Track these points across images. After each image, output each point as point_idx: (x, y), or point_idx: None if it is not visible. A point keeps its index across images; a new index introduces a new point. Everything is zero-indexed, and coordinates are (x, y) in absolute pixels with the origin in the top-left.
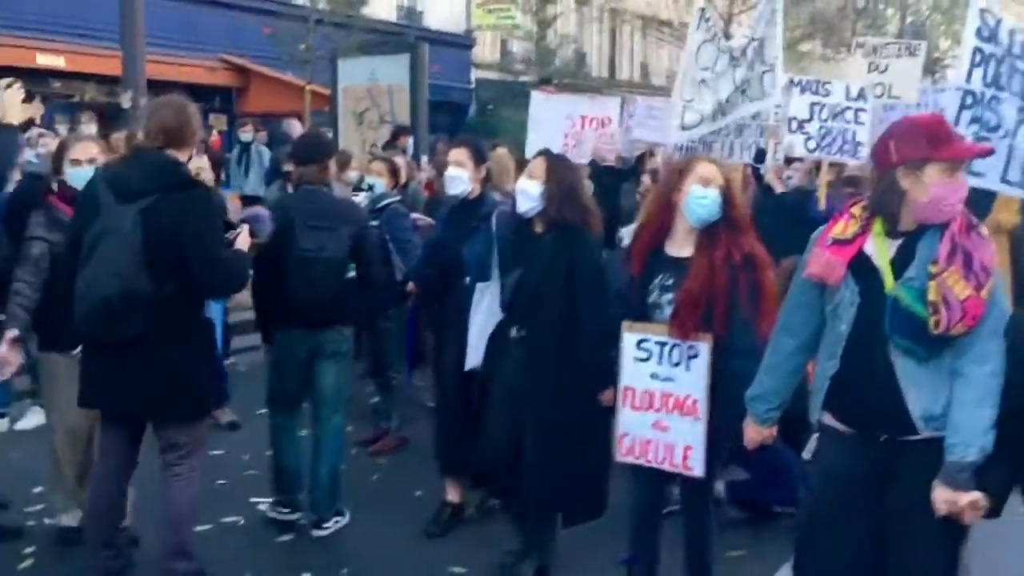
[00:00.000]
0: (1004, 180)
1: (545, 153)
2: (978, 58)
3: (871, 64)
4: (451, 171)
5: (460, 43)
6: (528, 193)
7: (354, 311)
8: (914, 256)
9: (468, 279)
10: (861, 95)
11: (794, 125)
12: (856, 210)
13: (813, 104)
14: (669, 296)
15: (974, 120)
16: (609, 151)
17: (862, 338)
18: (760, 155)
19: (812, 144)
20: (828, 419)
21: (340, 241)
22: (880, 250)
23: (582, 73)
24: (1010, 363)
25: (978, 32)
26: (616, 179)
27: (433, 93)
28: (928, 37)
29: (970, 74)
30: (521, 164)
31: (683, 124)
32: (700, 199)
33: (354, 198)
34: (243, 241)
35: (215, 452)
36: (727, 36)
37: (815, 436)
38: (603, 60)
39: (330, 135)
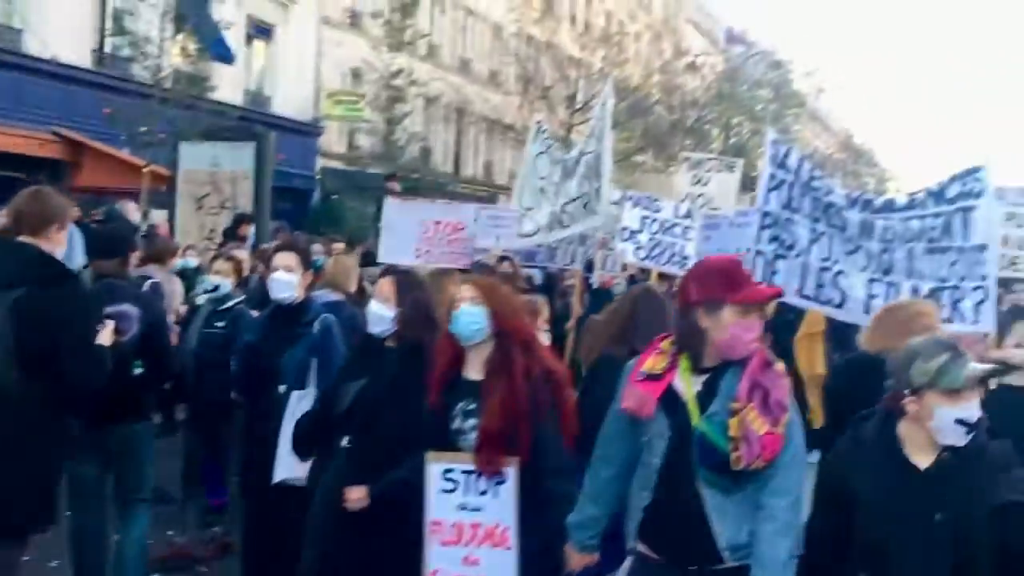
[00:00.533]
0: (801, 295)
1: (392, 273)
2: (773, 182)
3: (694, 176)
4: (279, 276)
5: (307, 131)
6: (380, 316)
7: (146, 405)
8: (718, 392)
9: (283, 387)
10: (689, 214)
11: (626, 234)
12: (664, 345)
13: (644, 217)
14: (472, 421)
15: (772, 239)
16: (461, 257)
17: (673, 471)
18: (590, 265)
19: (642, 253)
20: (642, 547)
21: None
22: (687, 385)
23: (427, 168)
24: (827, 410)
25: (772, 159)
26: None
27: (277, 179)
28: (748, 156)
29: (767, 197)
30: (366, 260)
31: (522, 231)
32: (461, 315)
33: (197, 299)
34: (106, 337)
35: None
36: (567, 145)
37: (629, 560)
38: (448, 157)
39: (165, 217)
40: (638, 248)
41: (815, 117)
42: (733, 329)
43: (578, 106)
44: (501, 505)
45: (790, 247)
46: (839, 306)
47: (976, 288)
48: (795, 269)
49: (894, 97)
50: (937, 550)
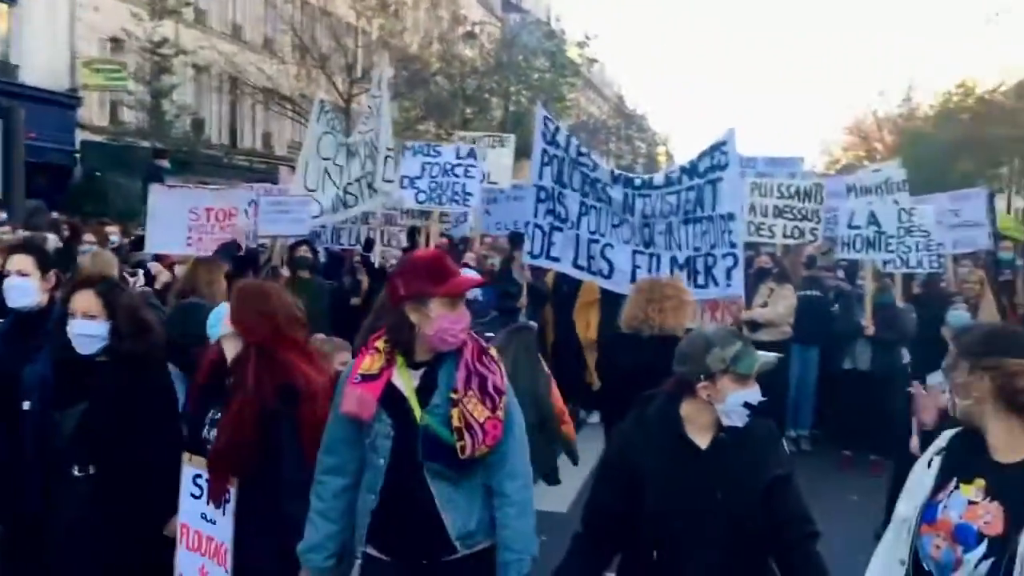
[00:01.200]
0: (575, 265)
1: (94, 288)
2: (545, 158)
3: (470, 150)
4: (13, 281)
5: (63, 102)
6: (90, 335)
7: None
8: (437, 385)
9: (27, 404)
10: (471, 154)
11: (405, 182)
12: (380, 344)
13: (425, 163)
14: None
15: (548, 212)
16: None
17: (400, 469)
18: (368, 244)
19: (423, 196)
20: (371, 550)
21: None
22: (406, 381)
23: (200, 142)
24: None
25: (543, 135)
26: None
27: (30, 154)
28: (527, 124)
29: (541, 173)
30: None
31: (303, 217)
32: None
33: None
34: None
35: None
36: (347, 114)
37: (358, 564)
38: (223, 129)
39: None
40: (418, 193)
41: (590, 84)
42: (441, 322)
43: (357, 76)
44: (225, 523)
45: (564, 220)
46: (608, 276)
47: (726, 255)
48: (569, 241)
49: (663, 63)
50: (718, 525)
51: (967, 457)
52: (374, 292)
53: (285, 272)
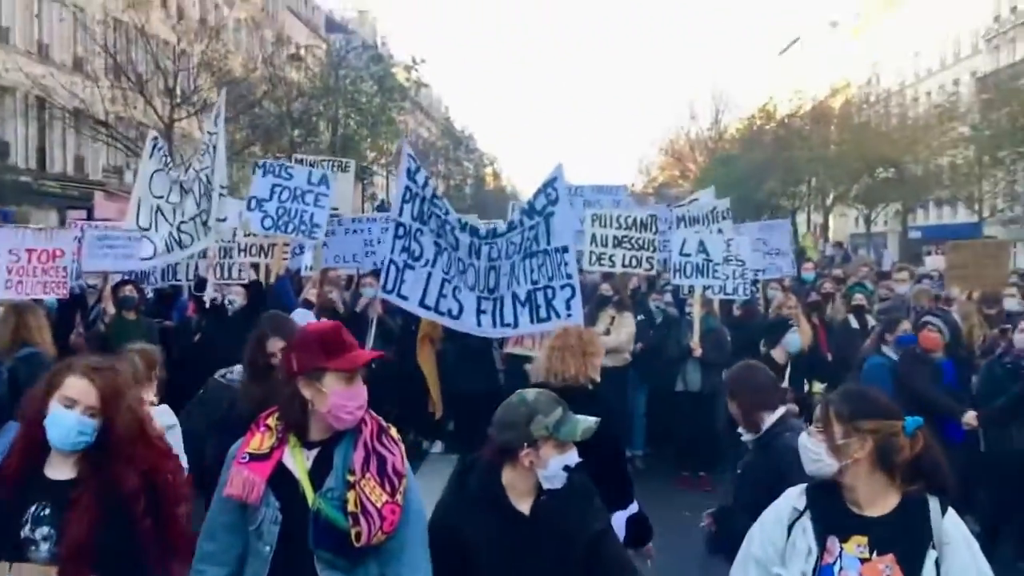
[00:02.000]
0: (422, 304)
1: None
2: (407, 195)
3: (323, 176)
4: None
5: None
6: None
7: None
8: (332, 466)
9: None
10: (323, 181)
11: (253, 203)
12: (271, 421)
13: (275, 186)
14: (45, 530)
15: (403, 249)
16: (59, 286)
17: (287, 557)
18: (200, 283)
19: (268, 222)
20: None
21: None
22: (298, 462)
23: (5, 167)
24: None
25: (407, 172)
26: None
27: None
28: (356, 148)
29: (402, 209)
30: None
31: (142, 255)
32: (59, 422)
33: None
34: None
35: None
36: (169, 139)
37: None
38: (31, 154)
39: None
40: (265, 217)
41: (418, 107)
42: (335, 398)
43: (178, 100)
44: None
45: (418, 258)
46: (456, 317)
47: (564, 286)
48: (421, 279)
49: (490, 83)
50: None
51: (835, 516)
52: (207, 331)
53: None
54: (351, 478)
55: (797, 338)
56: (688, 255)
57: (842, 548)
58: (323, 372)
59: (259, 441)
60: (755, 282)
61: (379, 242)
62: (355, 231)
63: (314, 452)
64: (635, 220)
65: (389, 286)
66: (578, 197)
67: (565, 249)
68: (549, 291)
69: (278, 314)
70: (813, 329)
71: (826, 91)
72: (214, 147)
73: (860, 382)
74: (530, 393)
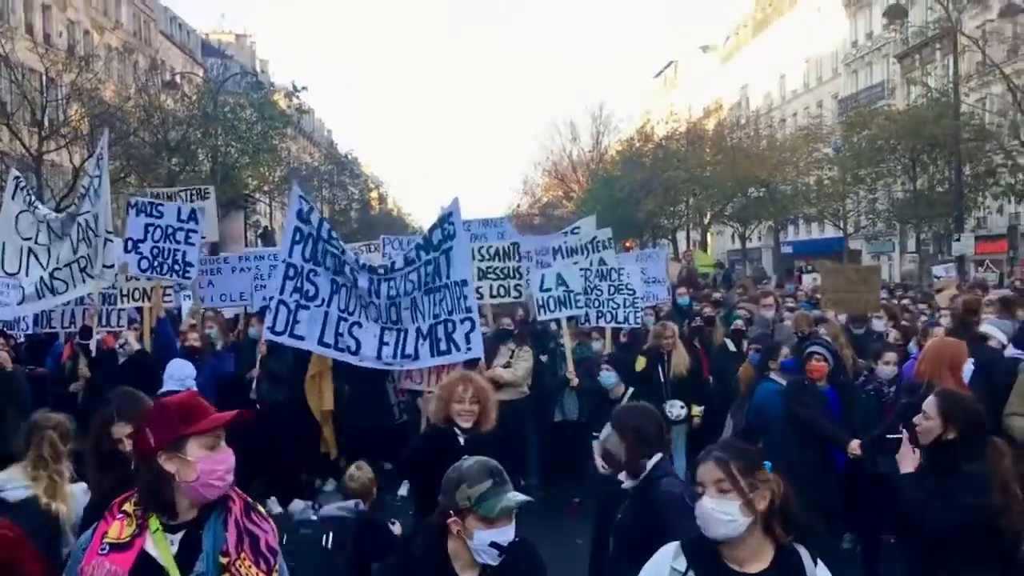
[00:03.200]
0: (321, 343)
1: None
2: (298, 236)
3: (192, 211)
4: None
5: None
6: None
7: None
8: (201, 548)
9: None
10: (192, 217)
11: (129, 245)
12: (128, 507)
13: (148, 225)
14: None
15: (295, 290)
16: None
17: None
18: (85, 331)
19: (145, 264)
20: None
21: None
22: (162, 548)
23: None
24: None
25: (297, 213)
26: None
27: None
28: (238, 177)
29: (291, 250)
30: None
31: (6, 301)
32: None
33: None
34: None
35: None
36: (39, 173)
37: None
38: None
39: None
40: (141, 259)
41: (301, 132)
42: (202, 465)
43: (47, 131)
44: None
45: (312, 297)
46: (355, 353)
47: (464, 319)
48: (317, 318)
49: (375, 107)
50: None
51: (713, 572)
52: (95, 380)
53: None
54: (224, 560)
55: (609, 376)
56: (548, 290)
57: None
58: (185, 440)
59: (117, 529)
60: (642, 310)
61: (269, 277)
62: (243, 269)
63: (179, 536)
64: (496, 250)
65: (279, 327)
66: (465, 231)
67: (464, 283)
68: (449, 324)
69: (126, 393)
70: (694, 353)
71: (700, 113)
72: (95, 191)
73: (753, 408)
74: (470, 460)
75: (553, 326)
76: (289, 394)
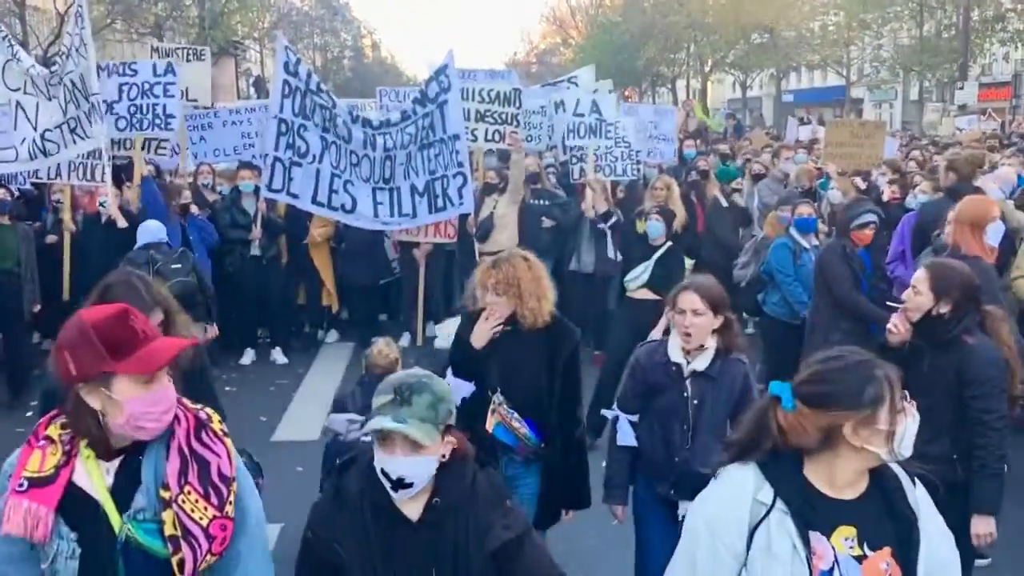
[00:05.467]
0: (315, 202)
1: None
2: (286, 90)
3: (168, 65)
4: None
5: None
6: None
7: None
8: (140, 480)
9: None
10: (169, 70)
11: (104, 108)
12: (53, 431)
13: (122, 85)
14: None
15: (288, 146)
16: None
17: None
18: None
19: (123, 123)
20: None
21: None
22: (95, 479)
23: None
24: None
25: (284, 66)
26: None
27: None
28: (227, 23)
29: (281, 105)
30: None
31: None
32: None
33: None
34: None
35: None
36: (23, 19)
37: None
38: None
39: None
40: (118, 119)
41: None
42: (133, 406)
43: None
44: None
45: (304, 154)
46: (350, 211)
47: (456, 174)
48: (310, 177)
49: None
50: None
51: (809, 503)
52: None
53: None
54: (166, 494)
55: (657, 225)
56: (582, 115)
57: (833, 548)
58: (111, 376)
59: (38, 461)
60: (639, 163)
61: (258, 135)
62: (234, 122)
63: (115, 464)
64: (498, 94)
65: (277, 184)
66: (471, 81)
67: (457, 137)
68: (444, 180)
69: (127, 284)
70: (691, 207)
71: None
72: (77, 49)
73: (767, 263)
74: (399, 374)
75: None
76: (291, 243)
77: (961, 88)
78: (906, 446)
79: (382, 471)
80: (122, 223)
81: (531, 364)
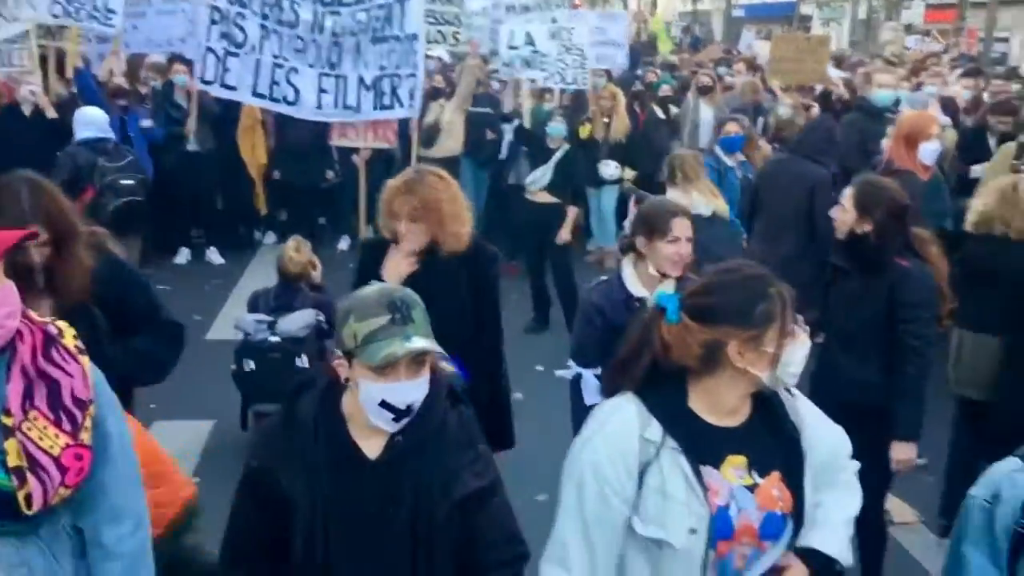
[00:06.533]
0: (255, 94)
1: None
2: None
3: None
4: None
5: None
6: None
7: None
8: None
9: None
10: None
11: None
12: None
13: None
14: None
15: (222, 36)
16: None
17: None
18: None
19: (58, 9)
20: None
21: None
22: None
23: None
24: None
25: None
26: None
27: None
28: None
29: None
30: None
31: None
32: None
33: None
34: None
35: None
36: None
37: None
38: None
39: None
40: (53, 4)
41: None
42: None
43: None
44: None
45: (241, 44)
46: (293, 103)
47: (410, 75)
48: (248, 67)
49: None
50: (397, 556)
51: (697, 435)
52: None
53: None
54: (8, 421)
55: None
56: (516, 48)
57: (725, 479)
58: None
59: None
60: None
61: (192, 23)
62: (169, 12)
63: None
64: None
65: (209, 76)
66: None
67: (415, 37)
68: (396, 79)
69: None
70: (634, 118)
71: None
72: None
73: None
74: (373, 287)
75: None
76: (223, 144)
77: (908, 8)
78: (792, 373)
79: (383, 403)
80: (51, 113)
81: (453, 295)
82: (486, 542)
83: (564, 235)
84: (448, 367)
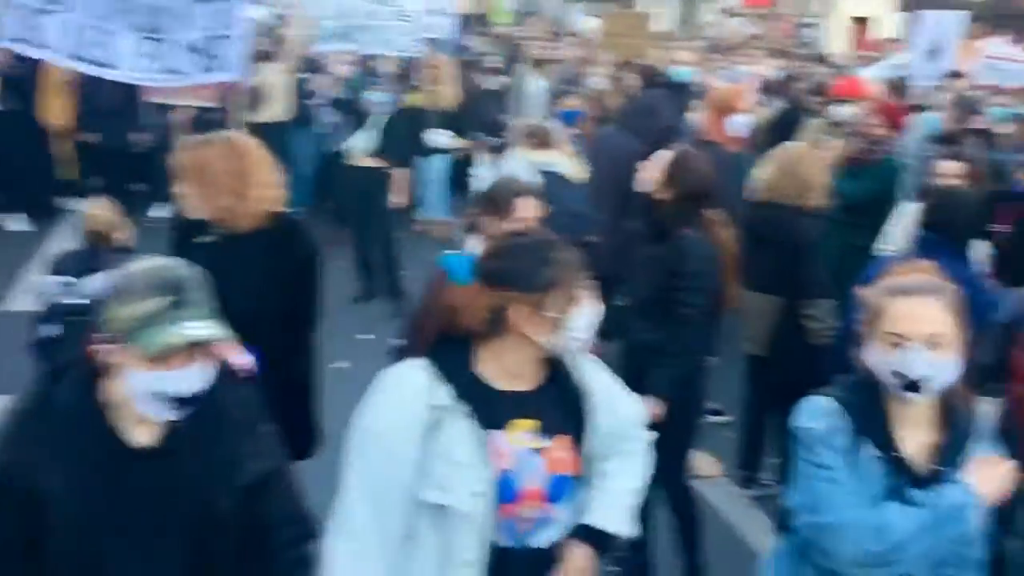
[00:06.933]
0: (69, 55)
1: None
2: None
3: None
4: None
5: None
6: None
7: None
8: None
9: None
10: None
11: None
12: None
13: None
14: None
15: None
16: None
17: None
18: None
19: None
20: None
21: None
22: None
23: None
24: None
25: None
26: None
27: None
28: None
29: None
30: None
31: None
32: None
33: None
34: None
35: None
36: None
37: None
38: None
39: None
40: None
41: None
42: None
43: None
44: None
45: (57, 1)
46: (114, 67)
47: (238, 37)
48: (59, 27)
49: None
50: (170, 553)
51: (482, 399)
52: None
53: None
54: None
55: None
56: (327, 18)
57: (512, 445)
58: None
59: None
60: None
61: None
62: None
63: None
64: None
65: (16, 33)
66: None
67: None
68: (225, 41)
69: None
70: (468, 88)
71: None
72: None
73: None
74: (144, 265)
75: None
76: (28, 104)
77: None
78: (577, 338)
79: (157, 393)
80: None
81: (248, 273)
82: (271, 525)
83: (397, 199)
84: (234, 351)
